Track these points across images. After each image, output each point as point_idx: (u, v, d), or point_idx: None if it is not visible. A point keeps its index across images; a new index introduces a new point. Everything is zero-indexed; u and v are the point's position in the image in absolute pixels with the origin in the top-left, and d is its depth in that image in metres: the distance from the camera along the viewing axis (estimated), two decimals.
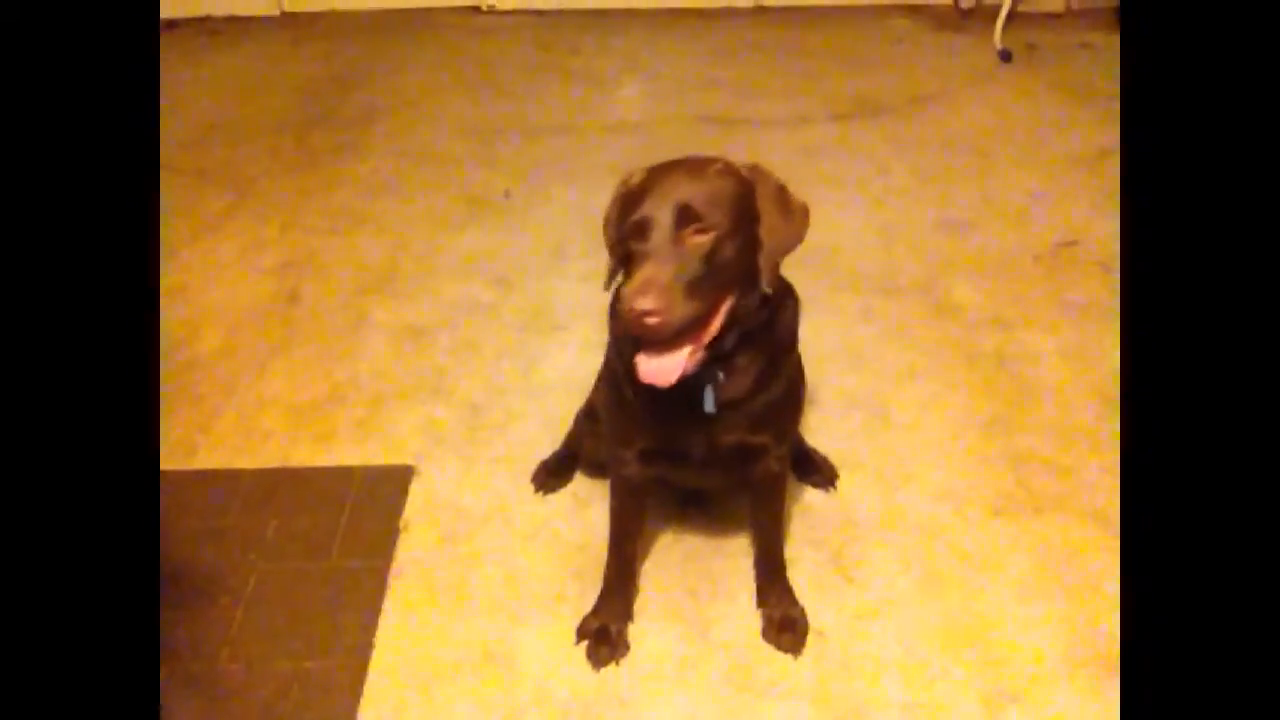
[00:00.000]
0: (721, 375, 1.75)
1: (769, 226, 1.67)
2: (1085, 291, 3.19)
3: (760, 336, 1.76)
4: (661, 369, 1.61)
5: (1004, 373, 2.84)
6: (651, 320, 1.52)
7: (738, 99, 4.67)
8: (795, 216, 1.72)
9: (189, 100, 4.71)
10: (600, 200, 1.84)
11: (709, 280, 1.58)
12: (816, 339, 2.87)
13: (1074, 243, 3.46)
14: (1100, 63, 4.91)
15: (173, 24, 5.46)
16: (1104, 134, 4.18)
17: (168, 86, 4.71)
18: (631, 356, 1.79)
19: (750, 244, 1.65)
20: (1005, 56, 4.98)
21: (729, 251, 1.60)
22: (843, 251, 3.43)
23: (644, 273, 1.55)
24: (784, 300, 1.83)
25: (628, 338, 1.80)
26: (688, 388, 1.72)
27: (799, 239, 1.72)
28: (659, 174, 1.67)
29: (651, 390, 1.77)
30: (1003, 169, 4.00)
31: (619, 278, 1.74)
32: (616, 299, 1.84)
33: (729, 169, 1.68)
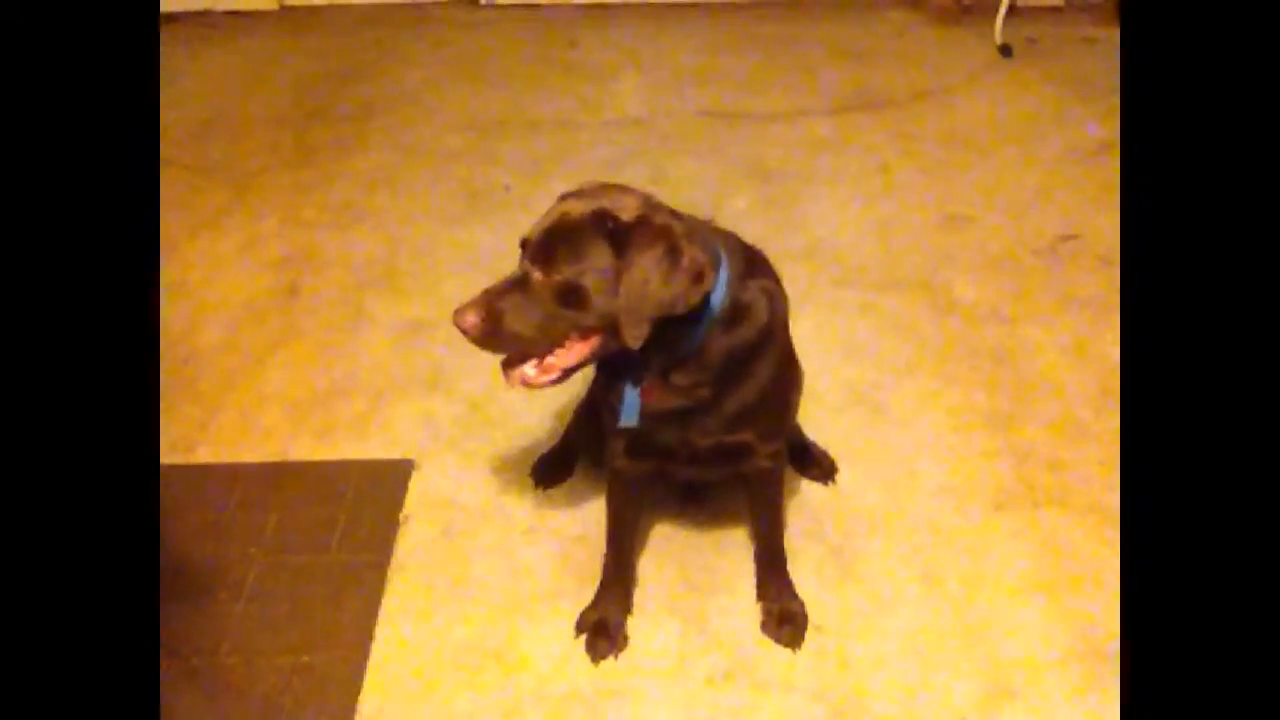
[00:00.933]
0: (635, 391, 1.79)
1: (636, 281, 1.62)
2: (1085, 286, 3.19)
3: (709, 350, 1.75)
4: (509, 376, 1.77)
5: (1004, 367, 2.84)
6: (465, 335, 1.70)
7: (737, 93, 4.66)
8: (679, 278, 1.63)
9: (188, 95, 4.69)
10: None
11: (547, 319, 1.68)
12: (816, 333, 2.88)
13: (1074, 237, 3.46)
14: (1100, 57, 4.90)
15: (172, 18, 5.44)
16: (1104, 128, 4.17)
17: (167, 81, 4.70)
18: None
19: (609, 296, 1.64)
20: (1005, 51, 4.97)
21: (568, 301, 1.66)
22: (842, 246, 3.43)
23: (484, 290, 1.71)
24: (742, 315, 1.77)
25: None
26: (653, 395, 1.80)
27: (682, 301, 1.64)
28: (563, 198, 1.75)
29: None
30: (1003, 163, 3.99)
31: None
32: None
33: (601, 217, 1.66)
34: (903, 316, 3.07)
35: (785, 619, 2.09)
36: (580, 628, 2.09)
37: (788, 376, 1.98)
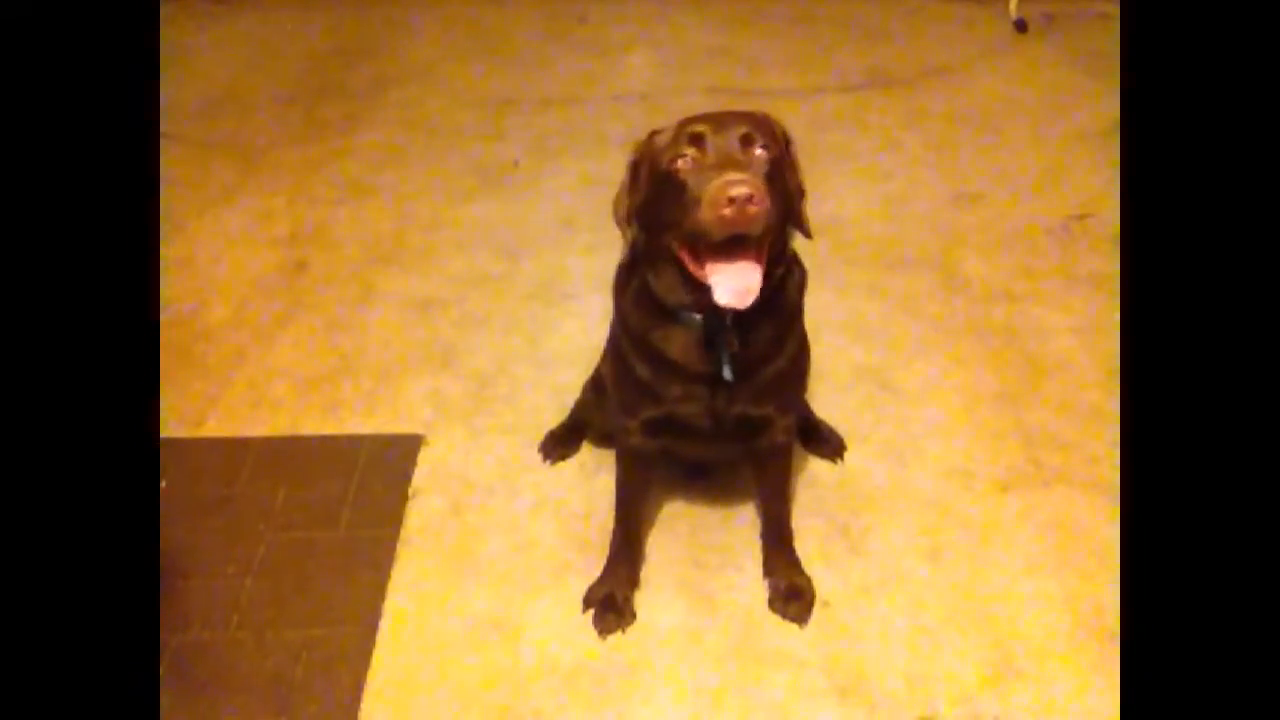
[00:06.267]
0: (735, 343, 1.74)
1: (797, 179, 1.73)
2: (1096, 265, 3.17)
3: (769, 304, 1.73)
4: (745, 290, 1.55)
5: (1014, 347, 2.83)
6: (754, 208, 1.45)
7: (747, 70, 4.63)
8: (800, 188, 1.75)
9: (197, 70, 4.69)
10: (609, 171, 1.84)
11: (773, 196, 1.54)
12: (825, 311, 2.87)
13: (1086, 216, 3.44)
14: (1116, 33, 4.85)
15: None
16: (1118, 106, 4.13)
17: (176, 56, 4.70)
18: (641, 331, 1.79)
19: (789, 188, 1.69)
20: (1021, 27, 4.93)
21: (780, 179, 1.62)
22: (852, 224, 3.42)
23: (726, 174, 1.48)
24: (791, 270, 1.82)
25: (638, 312, 1.80)
26: (695, 358, 1.76)
27: (801, 200, 1.77)
28: (697, 118, 1.62)
29: (658, 362, 1.78)
30: (1015, 141, 3.96)
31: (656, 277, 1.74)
32: (626, 271, 1.84)
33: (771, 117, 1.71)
34: (912, 295, 3.06)
35: (792, 595, 2.09)
36: (588, 602, 2.10)
37: (807, 350, 1.99)
